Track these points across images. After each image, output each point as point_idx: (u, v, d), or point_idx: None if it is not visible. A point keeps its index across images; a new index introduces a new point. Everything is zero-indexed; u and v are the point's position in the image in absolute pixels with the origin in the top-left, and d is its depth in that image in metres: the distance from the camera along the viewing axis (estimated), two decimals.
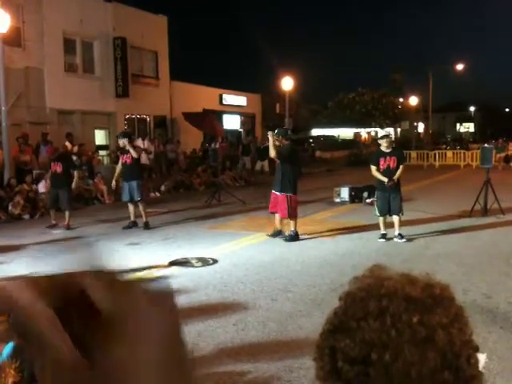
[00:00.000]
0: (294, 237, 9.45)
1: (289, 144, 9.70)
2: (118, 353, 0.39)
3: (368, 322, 0.66)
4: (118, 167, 11.11)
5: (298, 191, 9.64)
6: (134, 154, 10.63)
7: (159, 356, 0.43)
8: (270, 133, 9.64)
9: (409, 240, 9.27)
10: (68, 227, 10.80)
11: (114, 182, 11.64)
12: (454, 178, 22.37)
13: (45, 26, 18.54)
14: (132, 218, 10.88)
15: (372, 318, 0.66)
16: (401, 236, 9.29)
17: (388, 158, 9.31)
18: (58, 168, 10.90)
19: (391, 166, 9.31)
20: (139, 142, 20.42)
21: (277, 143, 9.52)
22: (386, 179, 9.22)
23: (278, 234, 9.63)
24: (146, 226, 10.75)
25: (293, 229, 9.50)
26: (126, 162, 10.76)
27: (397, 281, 0.71)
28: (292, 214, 9.42)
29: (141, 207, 10.80)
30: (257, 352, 4.63)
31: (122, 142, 10.86)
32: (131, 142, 11.16)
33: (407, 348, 0.64)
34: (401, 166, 9.34)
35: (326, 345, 0.72)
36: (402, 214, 9.47)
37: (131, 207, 10.86)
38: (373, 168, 9.43)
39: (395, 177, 9.28)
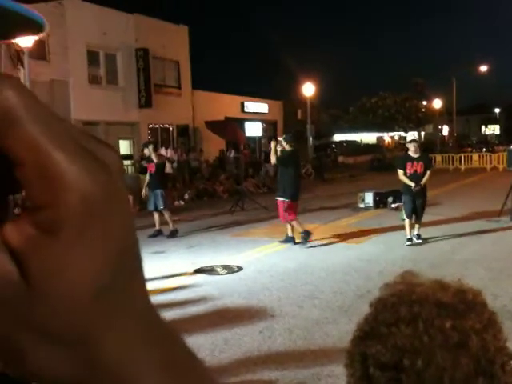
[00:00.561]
0: (289, 239, 9.51)
1: (291, 150, 9.67)
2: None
3: (399, 328, 0.65)
4: (147, 178, 11.30)
5: (298, 196, 9.60)
6: (154, 158, 10.75)
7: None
8: (272, 142, 9.93)
9: (425, 241, 9.39)
10: None
11: (144, 191, 11.78)
12: (480, 181, 22.03)
13: (69, 39, 18.88)
14: (157, 227, 10.95)
15: (403, 323, 0.65)
16: (418, 236, 9.42)
17: (415, 162, 9.29)
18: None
19: (418, 170, 9.27)
20: (162, 151, 20.63)
21: (287, 148, 9.56)
22: (412, 184, 9.20)
23: (289, 240, 9.61)
24: (173, 234, 10.82)
25: (290, 233, 9.54)
26: (150, 171, 10.95)
27: (428, 287, 0.71)
28: (288, 219, 9.45)
29: (166, 215, 10.88)
30: (284, 360, 4.61)
31: (147, 150, 11.09)
32: (156, 150, 11.33)
33: (440, 353, 0.63)
34: (428, 172, 9.29)
35: (356, 351, 0.71)
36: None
37: (156, 216, 10.94)
38: (400, 172, 9.42)
39: (422, 182, 9.23)
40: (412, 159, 9.37)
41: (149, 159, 11.07)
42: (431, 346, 0.63)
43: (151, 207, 10.97)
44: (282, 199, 9.46)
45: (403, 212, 9.63)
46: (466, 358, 0.64)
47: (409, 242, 9.27)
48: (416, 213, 9.41)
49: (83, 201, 0.24)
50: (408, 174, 9.31)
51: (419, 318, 0.65)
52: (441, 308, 0.66)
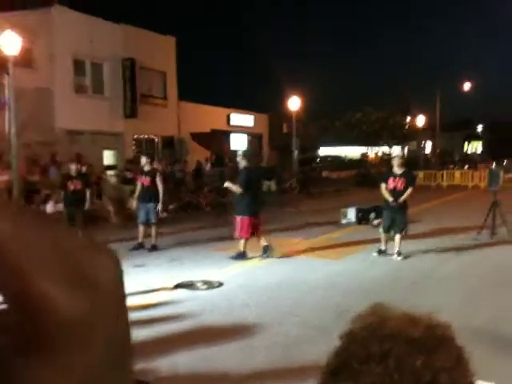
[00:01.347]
0: (241, 255, 9.64)
1: (243, 170, 9.80)
2: None
3: (370, 365, 0.65)
4: (138, 190, 11.17)
5: (252, 212, 9.67)
6: (159, 182, 10.82)
7: None
8: (226, 184, 10.10)
9: (405, 258, 9.53)
10: None
11: (133, 203, 11.70)
12: (462, 199, 22.27)
13: (55, 47, 18.82)
14: (140, 240, 10.93)
15: (374, 361, 0.65)
16: (399, 253, 9.56)
17: (397, 178, 9.48)
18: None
19: (398, 187, 9.44)
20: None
21: (243, 163, 9.79)
22: (391, 199, 9.39)
23: (265, 251, 9.75)
24: (154, 248, 10.76)
25: (241, 248, 9.71)
26: (143, 183, 10.86)
27: (399, 321, 0.70)
28: (241, 234, 9.68)
29: (154, 230, 10.89)
30: (263, 378, 4.61)
31: (145, 161, 10.97)
32: (151, 162, 11.31)
33: None
34: (409, 189, 9.43)
35: None
36: (405, 234, 9.85)
37: (142, 228, 10.93)
38: (382, 186, 9.72)
39: (401, 199, 9.38)
40: (394, 175, 9.57)
41: (142, 171, 11.01)
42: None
43: (142, 220, 10.91)
44: (239, 216, 9.70)
45: (381, 226, 9.95)
46: None
47: (376, 254, 9.70)
48: (394, 228, 9.62)
49: (60, 327, 0.25)
50: (388, 189, 9.51)
51: (390, 355, 0.64)
52: (411, 345, 0.66)
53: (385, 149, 39.08)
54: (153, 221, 10.81)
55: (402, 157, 10.87)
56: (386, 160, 38.87)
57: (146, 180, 10.80)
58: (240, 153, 10.30)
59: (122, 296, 0.29)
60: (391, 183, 9.56)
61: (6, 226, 0.26)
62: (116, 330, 0.31)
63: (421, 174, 31.97)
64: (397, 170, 9.65)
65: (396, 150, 36.20)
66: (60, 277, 0.26)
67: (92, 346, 0.28)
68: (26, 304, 0.25)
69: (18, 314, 0.26)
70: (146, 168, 10.91)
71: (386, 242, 9.77)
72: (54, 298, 0.26)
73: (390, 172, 9.91)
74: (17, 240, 0.26)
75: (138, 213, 11.05)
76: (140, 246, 10.86)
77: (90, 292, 0.27)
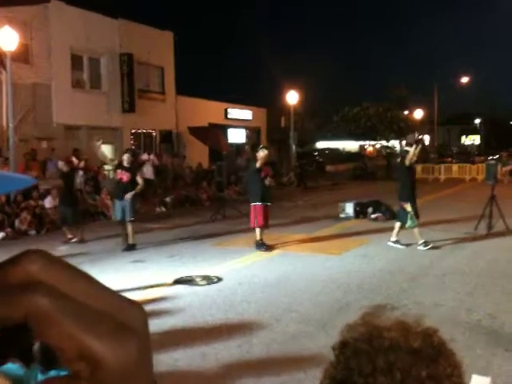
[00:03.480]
0: (260, 245, 9.92)
1: (253, 161, 10.42)
2: None
3: (376, 379, 0.66)
4: (107, 156, 11.13)
5: (260, 199, 9.92)
6: (139, 179, 10.50)
7: None
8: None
9: (407, 246, 10.03)
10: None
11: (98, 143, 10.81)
12: (459, 192, 22.32)
13: (52, 43, 18.75)
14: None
15: (381, 374, 0.66)
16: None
17: None
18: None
19: None
20: (144, 157, 20.56)
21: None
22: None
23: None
24: (131, 248, 10.31)
25: (257, 238, 9.95)
26: (121, 179, 10.44)
27: (395, 331, 0.71)
28: (257, 223, 9.94)
29: (130, 228, 10.40)
30: (261, 374, 4.64)
31: (127, 157, 10.51)
32: (135, 157, 11.21)
33: None
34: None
35: None
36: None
37: (126, 228, 10.51)
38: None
39: None
40: None
41: (121, 165, 10.57)
42: None
43: (118, 217, 10.56)
44: (251, 204, 10.09)
45: (411, 218, 10.10)
46: None
47: (424, 247, 9.92)
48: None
49: (112, 374, 0.29)
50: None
51: (395, 368, 0.65)
52: (414, 356, 0.67)
53: (383, 143, 39.07)
54: (129, 218, 10.33)
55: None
56: (388, 153, 38.93)
57: (124, 175, 10.35)
58: (247, 147, 10.52)
59: (149, 338, 0.33)
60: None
61: (47, 301, 0.29)
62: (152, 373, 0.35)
63: (418, 168, 32.00)
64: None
65: (396, 144, 36.25)
66: (102, 334, 0.30)
67: None
68: (80, 359, 0.29)
69: (74, 368, 0.30)
70: (126, 163, 10.41)
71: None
72: (103, 350, 0.29)
73: None
74: (60, 311, 0.29)
75: (115, 210, 10.71)
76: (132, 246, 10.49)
77: (129, 340, 0.30)
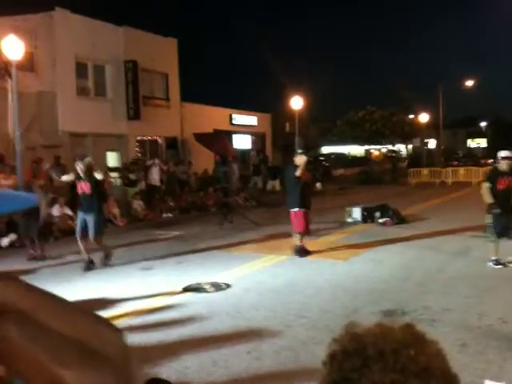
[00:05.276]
0: (300, 251, 9.84)
1: (291, 166, 10.13)
2: None
3: (370, 367, 0.66)
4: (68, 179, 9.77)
5: (304, 205, 9.86)
6: (99, 175, 9.50)
7: None
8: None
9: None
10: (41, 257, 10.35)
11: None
12: (466, 196, 22.22)
13: (57, 51, 18.83)
14: (86, 257, 9.39)
15: (373, 361, 0.67)
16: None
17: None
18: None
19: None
20: (150, 161, 20.53)
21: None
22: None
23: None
24: (87, 268, 9.22)
25: (297, 243, 9.91)
26: (83, 191, 9.30)
27: (378, 328, 0.73)
28: (295, 228, 9.92)
29: (98, 245, 9.45)
30: (271, 381, 4.60)
31: (80, 167, 9.28)
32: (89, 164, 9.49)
33: (412, 381, 0.65)
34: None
35: None
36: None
37: (82, 245, 9.32)
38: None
39: None
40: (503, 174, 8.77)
41: (79, 177, 9.34)
42: (404, 375, 0.65)
43: (79, 233, 9.32)
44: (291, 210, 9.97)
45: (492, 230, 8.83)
46: (434, 380, 0.66)
47: (497, 265, 8.71)
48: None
49: None
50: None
51: (386, 353, 0.67)
52: (399, 343, 0.69)
53: (388, 147, 39.01)
54: (93, 235, 9.21)
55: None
56: (390, 157, 38.85)
57: (84, 187, 9.25)
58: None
59: (129, 365, 0.32)
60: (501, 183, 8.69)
61: (15, 328, 0.29)
62: None
63: (425, 171, 31.96)
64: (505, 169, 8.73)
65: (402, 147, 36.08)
66: (74, 359, 0.29)
67: None
68: None
69: None
70: (82, 173, 9.26)
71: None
72: (76, 381, 0.28)
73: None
74: (32, 336, 0.29)
75: (78, 225, 9.44)
76: (91, 264, 9.38)
77: (103, 367, 0.29)
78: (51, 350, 0.29)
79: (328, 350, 0.73)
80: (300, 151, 10.11)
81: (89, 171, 9.33)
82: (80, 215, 9.37)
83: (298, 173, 9.74)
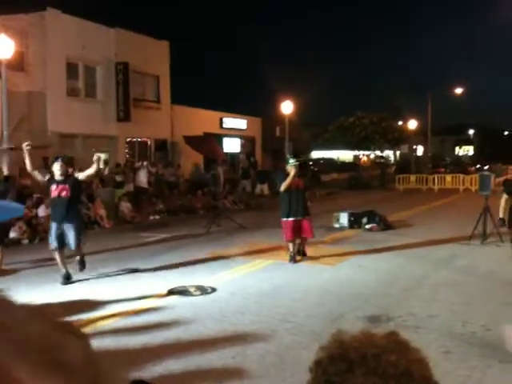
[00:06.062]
0: (291, 258, 9.80)
1: (280, 172, 10.33)
2: None
3: (353, 371, 0.69)
4: (42, 177, 8.45)
5: (286, 214, 9.84)
6: (83, 176, 8.52)
7: None
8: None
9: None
10: None
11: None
12: (453, 203, 22.40)
13: (48, 51, 18.75)
14: (63, 269, 8.36)
15: (356, 365, 0.69)
16: None
17: None
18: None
19: None
20: (139, 163, 20.51)
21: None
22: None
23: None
24: (66, 282, 8.21)
25: (290, 251, 9.88)
26: (59, 195, 8.17)
27: (362, 335, 0.76)
28: (285, 238, 9.94)
29: (79, 256, 8.48)
30: None
31: (59, 166, 8.28)
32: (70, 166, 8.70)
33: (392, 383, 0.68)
34: None
35: None
36: None
37: (57, 256, 8.33)
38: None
39: None
40: None
41: (56, 180, 8.27)
42: (385, 378, 0.68)
43: (54, 244, 8.22)
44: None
45: None
46: None
47: None
48: None
49: None
50: None
51: (368, 357, 0.70)
52: (381, 349, 0.71)
53: (377, 153, 39.22)
54: (73, 248, 8.26)
55: None
56: (378, 163, 39.05)
57: (63, 189, 8.15)
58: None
59: (96, 371, 0.31)
60: None
61: None
62: None
63: (412, 178, 32.18)
64: None
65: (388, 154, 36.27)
66: (34, 364, 0.29)
67: None
68: None
69: None
70: (59, 175, 8.24)
71: None
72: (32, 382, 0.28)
73: None
74: None
75: (50, 234, 8.29)
76: (68, 278, 8.35)
77: (63, 373, 0.29)
78: (11, 353, 0.29)
79: (315, 357, 0.75)
80: (292, 161, 9.78)
81: (66, 174, 8.36)
82: (55, 225, 8.20)
83: (282, 187, 9.72)
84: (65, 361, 0.30)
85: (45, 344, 0.30)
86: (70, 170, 10.15)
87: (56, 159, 8.63)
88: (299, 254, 10.01)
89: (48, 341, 0.30)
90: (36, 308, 0.32)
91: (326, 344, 0.76)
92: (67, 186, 8.15)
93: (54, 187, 8.20)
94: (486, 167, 32.97)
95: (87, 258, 9.73)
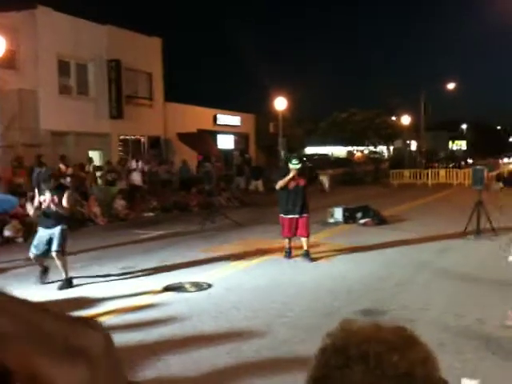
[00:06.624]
0: (286, 253, 9.82)
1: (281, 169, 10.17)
2: None
3: (352, 368, 0.68)
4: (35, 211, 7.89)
5: (283, 211, 9.79)
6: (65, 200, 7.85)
7: None
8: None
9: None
10: None
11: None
12: (447, 197, 22.48)
13: (39, 49, 18.66)
14: (42, 271, 8.13)
15: (354, 362, 0.69)
16: None
17: None
18: None
19: None
20: (133, 164, 20.50)
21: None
22: None
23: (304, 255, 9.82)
24: (69, 284, 7.87)
25: (286, 246, 9.89)
26: (48, 206, 7.80)
27: (369, 328, 0.75)
28: (282, 233, 9.95)
29: (59, 262, 7.87)
30: (251, 381, 4.62)
31: (44, 172, 8.11)
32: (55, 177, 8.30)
33: None
34: None
35: None
36: None
37: (38, 261, 8.06)
38: None
39: None
40: None
41: (41, 187, 7.88)
42: (383, 379, 0.67)
43: (37, 250, 7.88)
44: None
45: None
46: None
47: None
48: None
49: None
50: None
51: (369, 355, 0.69)
52: (386, 345, 0.70)
53: (370, 148, 39.29)
54: (55, 249, 7.79)
55: None
56: (372, 158, 39.13)
57: (52, 200, 7.78)
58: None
59: (115, 364, 0.33)
60: None
61: (5, 322, 0.31)
62: None
63: (406, 173, 32.28)
64: None
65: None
66: (58, 356, 0.31)
67: None
68: (33, 381, 0.30)
69: None
70: (46, 183, 7.82)
71: None
72: (56, 375, 0.30)
73: None
74: (17, 332, 0.31)
75: (35, 239, 7.99)
76: (45, 272, 8.16)
77: (85, 360, 0.31)
78: (34, 342, 0.30)
79: (321, 344, 0.75)
80: (295, 162, 9.54)
81: (51, 183, 7.89)
82: (42, 231, 7.93)
83: (277, 186, 9.70)
84: (86, 348, 0.32)
85: (65, 332, 0.32)
86: (64, 168, 10.05)
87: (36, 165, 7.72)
88: (305, 256, 9.79)
89: (67, 330, 0.33)
90: (44, 304, 0.34)
91: (332, 331, 0.76)
92: (55, 197, 7.79)
93: (42, 196, 7.87)
94: (471, 161, 32.97)
95: (82, 255, 9.70)
